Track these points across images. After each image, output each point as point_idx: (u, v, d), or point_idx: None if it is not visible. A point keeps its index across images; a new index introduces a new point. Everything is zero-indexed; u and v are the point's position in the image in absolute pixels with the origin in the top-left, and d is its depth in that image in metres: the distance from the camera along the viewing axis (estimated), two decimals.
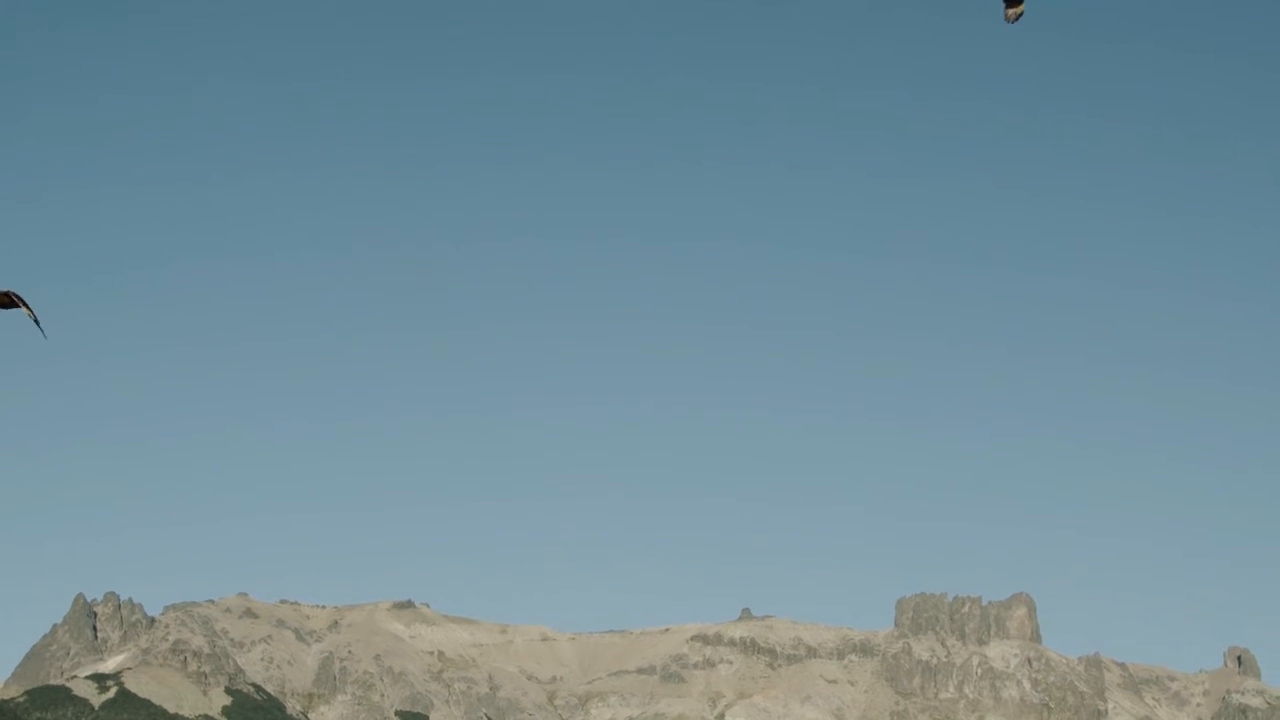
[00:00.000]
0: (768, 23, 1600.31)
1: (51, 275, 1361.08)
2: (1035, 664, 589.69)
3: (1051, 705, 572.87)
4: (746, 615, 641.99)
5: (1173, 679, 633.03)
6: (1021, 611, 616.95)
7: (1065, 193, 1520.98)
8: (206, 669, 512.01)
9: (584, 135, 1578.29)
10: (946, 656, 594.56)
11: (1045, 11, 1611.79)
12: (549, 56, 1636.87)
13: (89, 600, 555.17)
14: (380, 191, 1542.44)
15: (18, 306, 46.68)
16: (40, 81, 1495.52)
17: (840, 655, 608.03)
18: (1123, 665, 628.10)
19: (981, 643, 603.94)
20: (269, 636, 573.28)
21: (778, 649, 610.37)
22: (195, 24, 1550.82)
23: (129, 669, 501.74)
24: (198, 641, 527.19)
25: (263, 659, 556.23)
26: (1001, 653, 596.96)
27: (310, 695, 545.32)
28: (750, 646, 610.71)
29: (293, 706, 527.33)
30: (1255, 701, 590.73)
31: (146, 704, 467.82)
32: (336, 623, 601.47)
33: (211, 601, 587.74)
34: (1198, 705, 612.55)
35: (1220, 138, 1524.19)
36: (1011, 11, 65.76)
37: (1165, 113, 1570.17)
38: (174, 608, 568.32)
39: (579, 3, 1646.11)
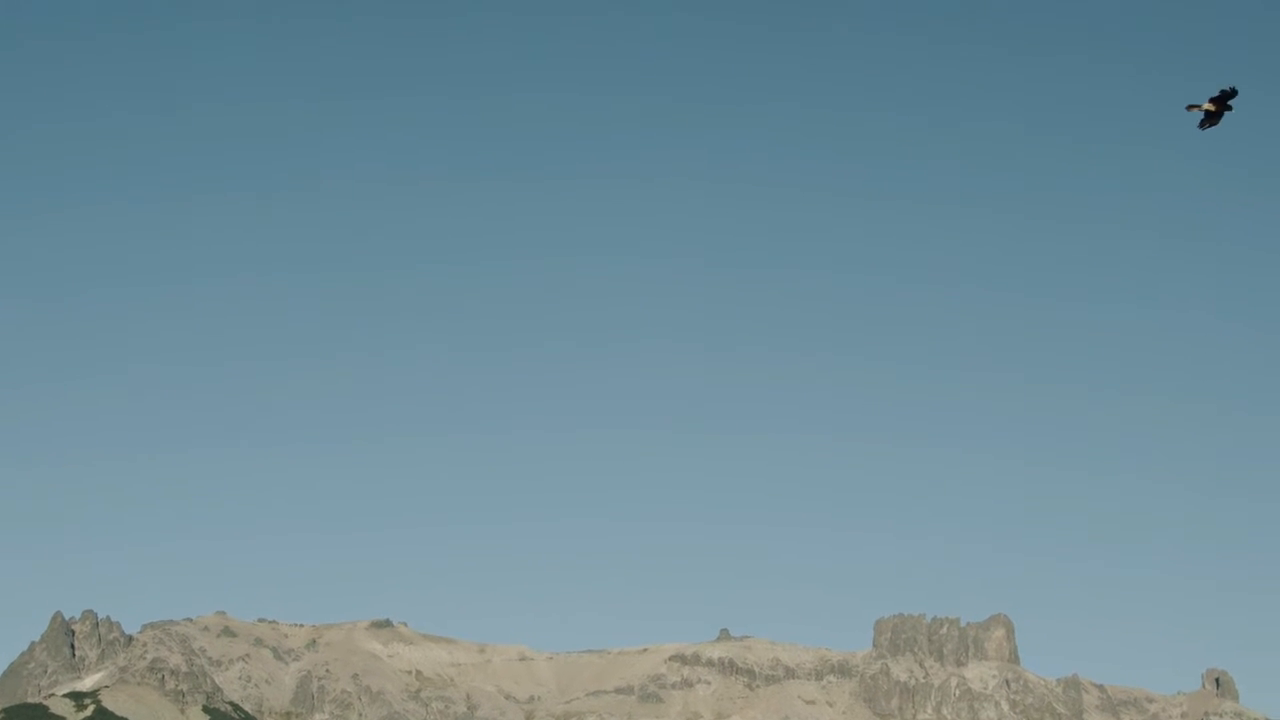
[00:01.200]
0: (763, 39, 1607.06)
1: (32, 289, 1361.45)
2: (1013, 685, 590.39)
3: None
4: (725, 636, 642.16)
5: (1151, 701, 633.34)
6: (1000, 633, 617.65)
7: (1058, 208, 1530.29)
8: (184, 687, 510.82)
9: (579, 150, 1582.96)
10: (925, 677, 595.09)
11: (1044, 19, 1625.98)
12: (545, 73, 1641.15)
13: (67, 618, 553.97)
14: (361, 208, 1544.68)
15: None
16: (39, 94, 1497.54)
17: (819, 676, 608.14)
18: (1101, 687, 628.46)
19: (960, 664, 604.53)
20: (247, 655, 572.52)
21: (756, 669, 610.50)
22: (191, 37, 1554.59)
23: (106, 687, 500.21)
24: (175, 660, 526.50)
25: (240, 677, 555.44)
26: (980, 674, 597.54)
27: (288, 714, 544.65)
28: (728, 667, 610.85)
29: None
30: None
31: None
32: (314, 641, 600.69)
33: (189, 620, 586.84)
34: None
35: (1220, 149, 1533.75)
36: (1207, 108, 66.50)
37: (1158, 128, 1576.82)
38: (152, 626, 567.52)
39: (572, 18, 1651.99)
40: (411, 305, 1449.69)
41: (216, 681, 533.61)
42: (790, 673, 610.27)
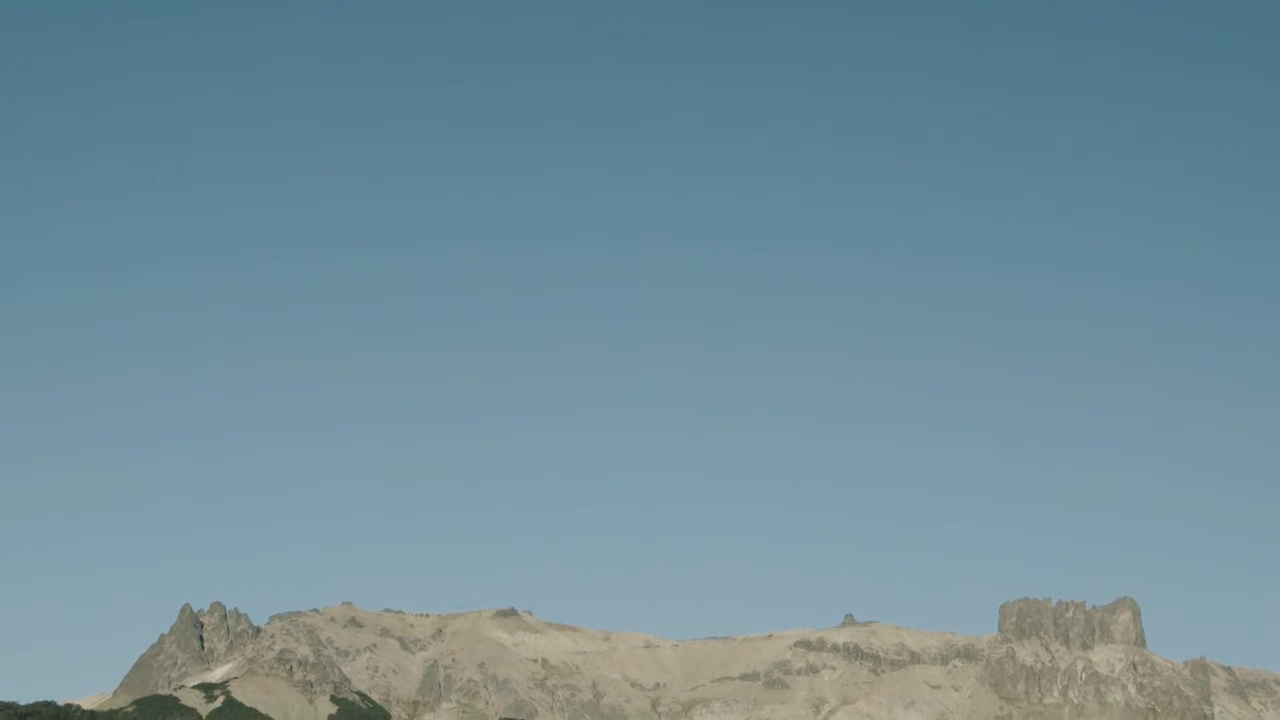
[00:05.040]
0: (765, 27, 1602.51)
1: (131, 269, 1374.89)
2: (1140, 668, 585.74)
3: (1157, 710, 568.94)
4: (850, 621, 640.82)
5: None
6: (1126, 616, 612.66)
7: (1085, 197, 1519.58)
8: (312, 678, 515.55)
9: (585, 141, 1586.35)
10: (1051, 661, 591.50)
11: (1045, 13, 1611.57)
12: (548, 63, 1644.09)
13: (195, 610, 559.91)
14: (368, 199, 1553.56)
15: None
16: (35, 88, 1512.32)
17: (944, 660, 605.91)
18: (1229, 669, 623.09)
19: (1086, 647, 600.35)
20: (373, 645, 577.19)
21: (881, 655, 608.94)
22: (187, 30, 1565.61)
23: (235, 678, 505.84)
24: (303, 650, 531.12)
25: (367, 667, 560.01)
26: (1106, 657, 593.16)
27: (415, 703, 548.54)
28: (853, 652, 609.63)
29: (398, 715, 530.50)
30: None
31: (253, 713, 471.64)
32: (440, 631, 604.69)
33: (316, 611, 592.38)
34: None
35: (1221, 141, 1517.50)
36: None
37: (1163, 115, 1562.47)
38: (279, 617, 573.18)
39: (574, 6, 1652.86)
40: (536, 288, 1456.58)
41: (344, 672, 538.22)
42: (915, 657, 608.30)
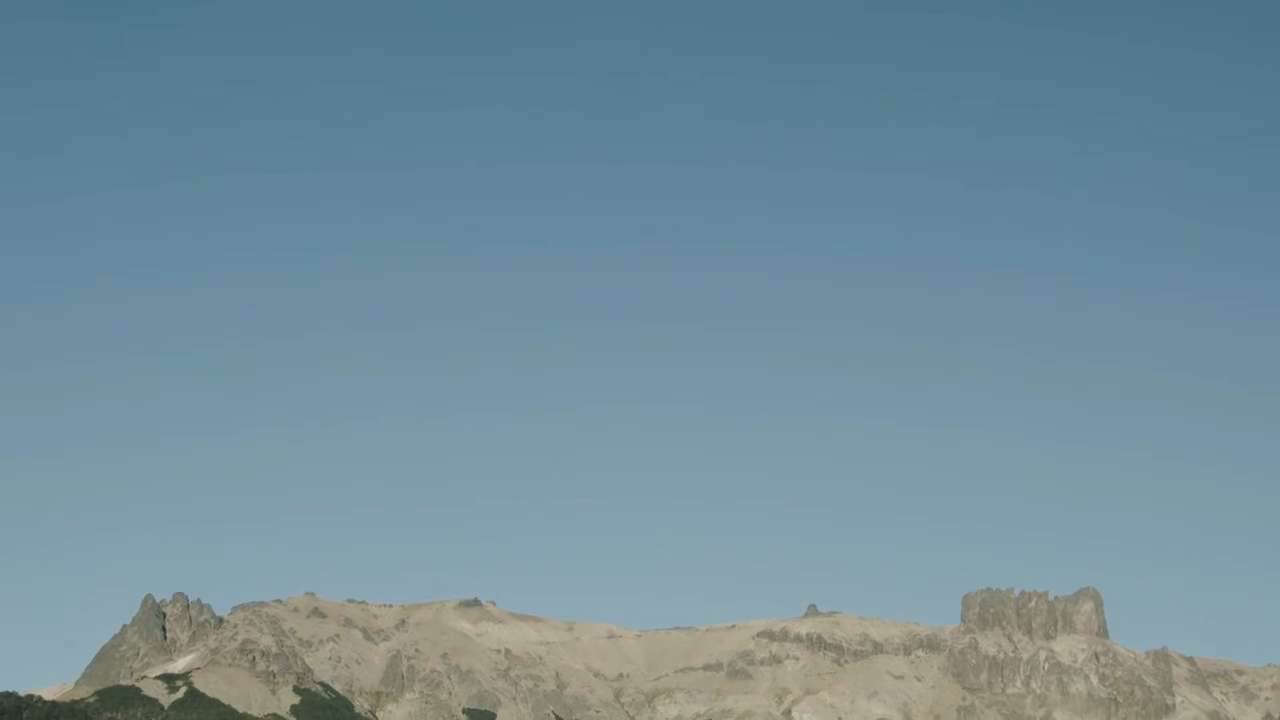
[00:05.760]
0: (765, 22, 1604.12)
1: (80, 273, 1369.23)
2: (1102, 658, 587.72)
3: (1119, 700, 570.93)
4: (813, 611, 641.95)
5: (1241, 673, 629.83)
6: (1088, 606, 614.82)
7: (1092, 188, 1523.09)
8: (275, 668, 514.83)
9: (583, 135, 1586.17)
10: (1013, 651, 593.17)
11: (1046, 8, 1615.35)
12: (548, 58, 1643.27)
13: (158, 601, 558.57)
14: (375, 193, 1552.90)
15: None
16: (39, 82, 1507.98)
17: (907, 651, 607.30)
18: (1190, 659, 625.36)
19: (1048, 637, 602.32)
20: (337, 636, 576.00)
21: (844, 645, 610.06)
22: (190, 26, 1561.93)
23: (198, 669, 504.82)
24: (266, 641, 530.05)
25: (330, 658, 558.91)
26: (1068, 647, 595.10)
27: (378, 694, 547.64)
28: (817, 643, 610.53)
29: (361, 705, 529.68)
30: None
31: (215, 703, 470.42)
32: (404, 621, 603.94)
33: (279, 601, 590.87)
34: (1266, 699, 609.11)
35: (1223, 136, 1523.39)
36: None
37: (1165, 110, 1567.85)
38: (242, 608, 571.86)
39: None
40: (495, 280, 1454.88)
41: (307, 662, 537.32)
42: (878, 647, 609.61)
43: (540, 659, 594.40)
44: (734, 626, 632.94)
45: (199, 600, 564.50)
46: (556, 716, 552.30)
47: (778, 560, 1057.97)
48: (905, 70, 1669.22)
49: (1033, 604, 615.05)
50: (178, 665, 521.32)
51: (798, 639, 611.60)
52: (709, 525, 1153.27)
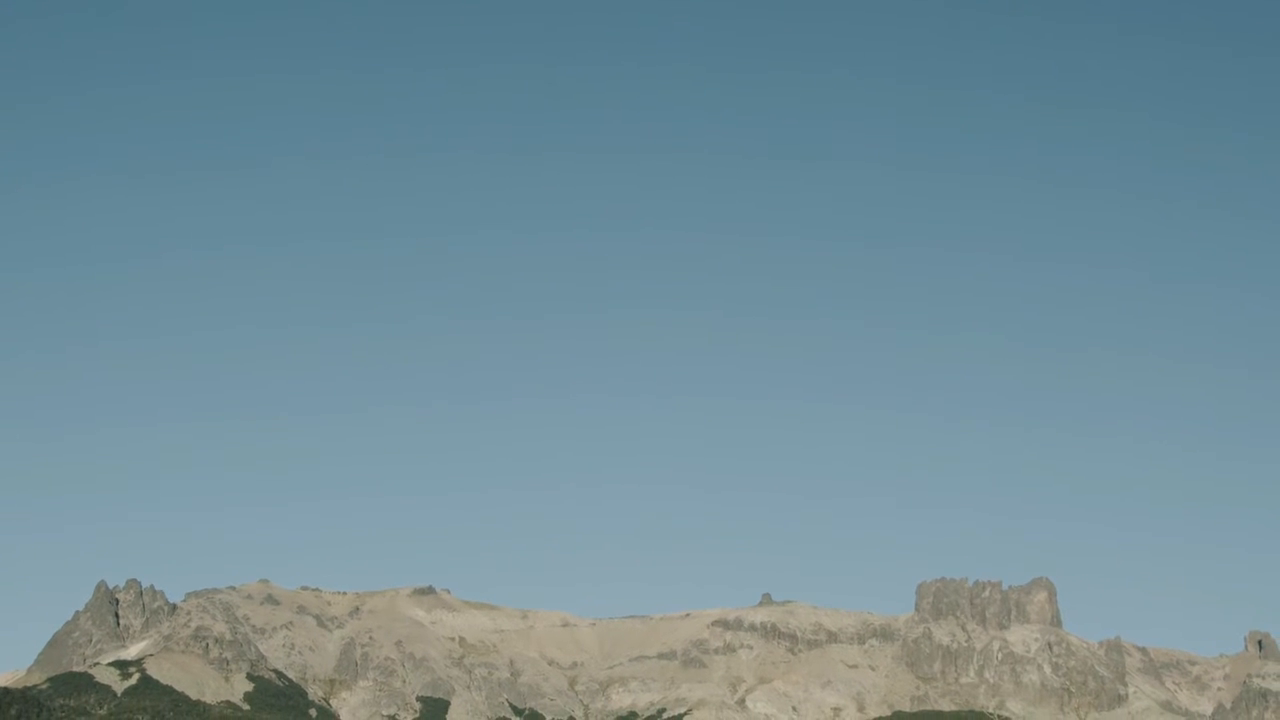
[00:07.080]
0: (764, 14, 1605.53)
1: (51, 262, 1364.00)
2: (1056, 648, 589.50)
3: (1072, 689, 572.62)
4: (767, 600, 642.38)
5: (1193, 663, 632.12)
6: (1042, 596, 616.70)
7: (1077, 182, 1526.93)
8: (228, 655, 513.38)
9: (581, 127, 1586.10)
10: (967, 641, 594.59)
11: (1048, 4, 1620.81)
12: (547, 49, 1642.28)
13: (111, 587, 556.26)
14: (372, 184, 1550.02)
15: None
16: (33, 73, 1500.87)
17: (861, 640, 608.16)
18: (1143, 649, 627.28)
19: (1002, 627, 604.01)
20: (290, 623, 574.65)
21: (798, 634, 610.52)
22: (185, 18, 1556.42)
23: (151, 655, 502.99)
24: (219, 628, 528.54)
25: (284, 645, 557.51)
26: (1022, 637, 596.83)
27: (332, 681, 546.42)
28: (771, 631, 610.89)
29: (314, 693, 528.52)
30: (1276, 686, 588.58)
31: (169, 690, 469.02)
32: (358, 609, 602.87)
33: (233, 588, 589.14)
34: (1218, 689, 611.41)
35: (1226, 128, 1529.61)
36: None
37: (1171, 103, 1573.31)
38: (195, 594, 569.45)
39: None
40: (454, 272, 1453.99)
41: (260, 649, 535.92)
42: (832, 637, 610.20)
43: (494, 647, 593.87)
44: (688, 615, 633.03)
45: (152, 587, 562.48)
46: (511, 705, 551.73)
47: (732, 549, 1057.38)
48: (906, 61, 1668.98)
49: (986, 594, 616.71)
50: (131, 652, 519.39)
51: (752, 628, 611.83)
52: (663, 514, 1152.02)
